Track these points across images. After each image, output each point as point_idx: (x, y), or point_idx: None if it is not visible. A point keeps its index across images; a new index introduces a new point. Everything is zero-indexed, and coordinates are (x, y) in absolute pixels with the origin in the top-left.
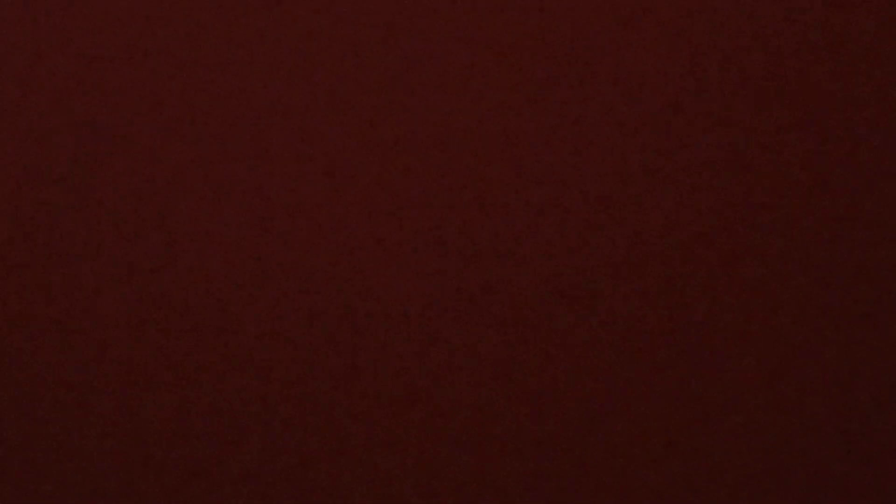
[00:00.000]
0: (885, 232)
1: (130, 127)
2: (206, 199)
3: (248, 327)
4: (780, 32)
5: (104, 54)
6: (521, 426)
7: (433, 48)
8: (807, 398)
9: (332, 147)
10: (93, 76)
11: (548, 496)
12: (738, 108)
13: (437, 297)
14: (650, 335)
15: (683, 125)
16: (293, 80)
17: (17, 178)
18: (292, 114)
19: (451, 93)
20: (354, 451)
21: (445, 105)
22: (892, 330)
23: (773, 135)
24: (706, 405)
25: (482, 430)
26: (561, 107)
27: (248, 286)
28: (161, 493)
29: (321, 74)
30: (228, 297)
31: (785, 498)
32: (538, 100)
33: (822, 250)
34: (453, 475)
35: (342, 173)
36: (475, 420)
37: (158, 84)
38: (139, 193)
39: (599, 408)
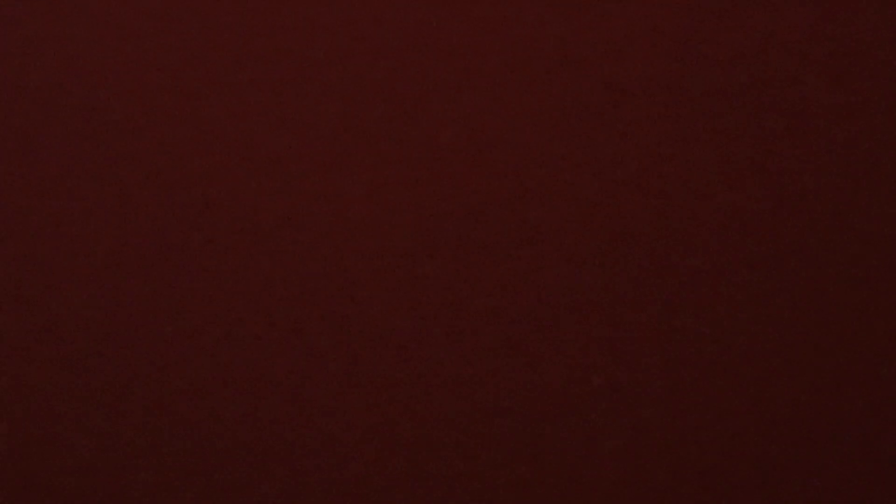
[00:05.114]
0: (883, 233)
1: (125, 126)
2: (200, 201)
3: (240, 330)
4: (774, 33)
5: (103, 54)
6: (516, 431)
7: (426, 52)
8: (804, 400)
9: (328, 149)
10: (90, 76)
11: (542, 500)
12: (734, 110)
13: (433, 300)
14: (646, 340)
15: (679, 128)
16: (288, 84)
17: (12, 177)
18: (288, 117)
19: (448, 96)
20: (347, 455)
21: (442, 108)
22: (891, 330)
23: (770, 137)
24: (703, 409)
25: (476, 435)
26: (557, 110)
27: (241, 289)
28: (152, 496)
29: (316, 77)
30: (221, 301)
31: (782, 498)
32: (534, 103)
33: (820, 252)
34: (446, 482)
35: (337, 176)
36: (469, 426)
37: (153, 83)
38: (132, 194)
39: (597, 410)
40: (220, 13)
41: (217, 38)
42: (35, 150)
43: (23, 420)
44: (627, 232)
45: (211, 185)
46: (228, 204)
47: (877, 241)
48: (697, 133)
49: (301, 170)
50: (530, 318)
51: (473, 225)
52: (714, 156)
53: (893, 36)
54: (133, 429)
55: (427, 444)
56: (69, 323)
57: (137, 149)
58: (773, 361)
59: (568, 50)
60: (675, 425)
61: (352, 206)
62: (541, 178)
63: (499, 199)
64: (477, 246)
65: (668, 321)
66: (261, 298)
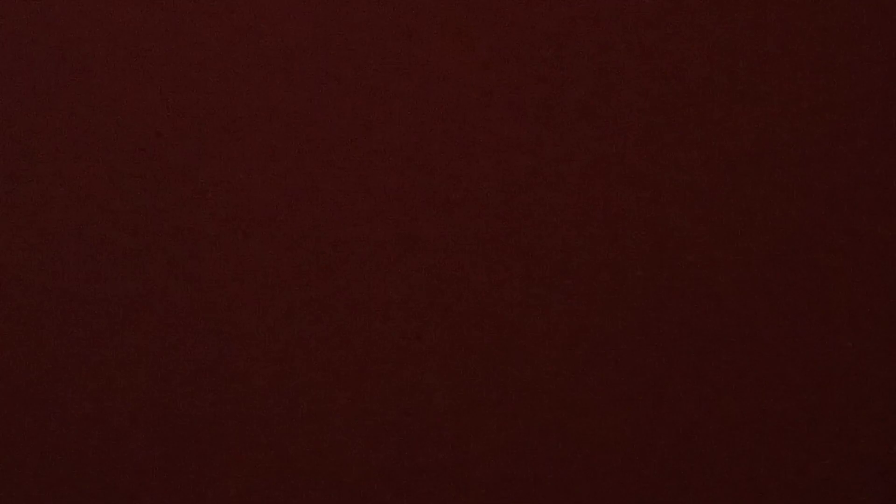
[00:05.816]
0: (884, 232)
1: (122, 120)
2: (192, 198)
3: (230, 326)
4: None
5: (100, 45)
6: (507, 425)
7: (419, 48)
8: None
9: (319, 147)
10: (88, 66)
11: (534, 497)
12: (732, 108)
13: (423, 296)
14: (640, 338)
15: (675, 126)
16: (279, 81)
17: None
18: (280, 115)
19: (440, 94)
20: (337, 451)
21: (433, 105)
22: (890, 331)
23: (767, 135)
24: (703, 408)
25: (466, 429)
26: (549, 107)
27: (233, 285)
28: (143, 495)
29: (309, 75)
30: (212, 297)
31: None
32: (526, 100)
33: (820, 250)
34: (437, 476)
35: (328, 172)
36: (460, 420)
37: (150, 76)
38: (127, 191)
39: (588, 406)
40: (219, 4)
41: (215, 29)
42: (32, 143)
43: (21, 415)
44: (622, 227)
45: (205, 176)
46: (222, 195)
47: (878, 239)
48: (692, 128)
49: (294, 162)
50: (525, 315)
51: (468, 219)
52: (712, 153)
53: (893, 35)
54: (129, 422)
55: (423, 438)
56: (62, 315)
57: (134, 141)
58: (775, 362)
59: (561, 44)
60: (672, 424)
61: (348, 198)
62: (537, 173)
63: (492, 193)
64: (470, 241)
65: (666, 319)
66: (253, 290)
